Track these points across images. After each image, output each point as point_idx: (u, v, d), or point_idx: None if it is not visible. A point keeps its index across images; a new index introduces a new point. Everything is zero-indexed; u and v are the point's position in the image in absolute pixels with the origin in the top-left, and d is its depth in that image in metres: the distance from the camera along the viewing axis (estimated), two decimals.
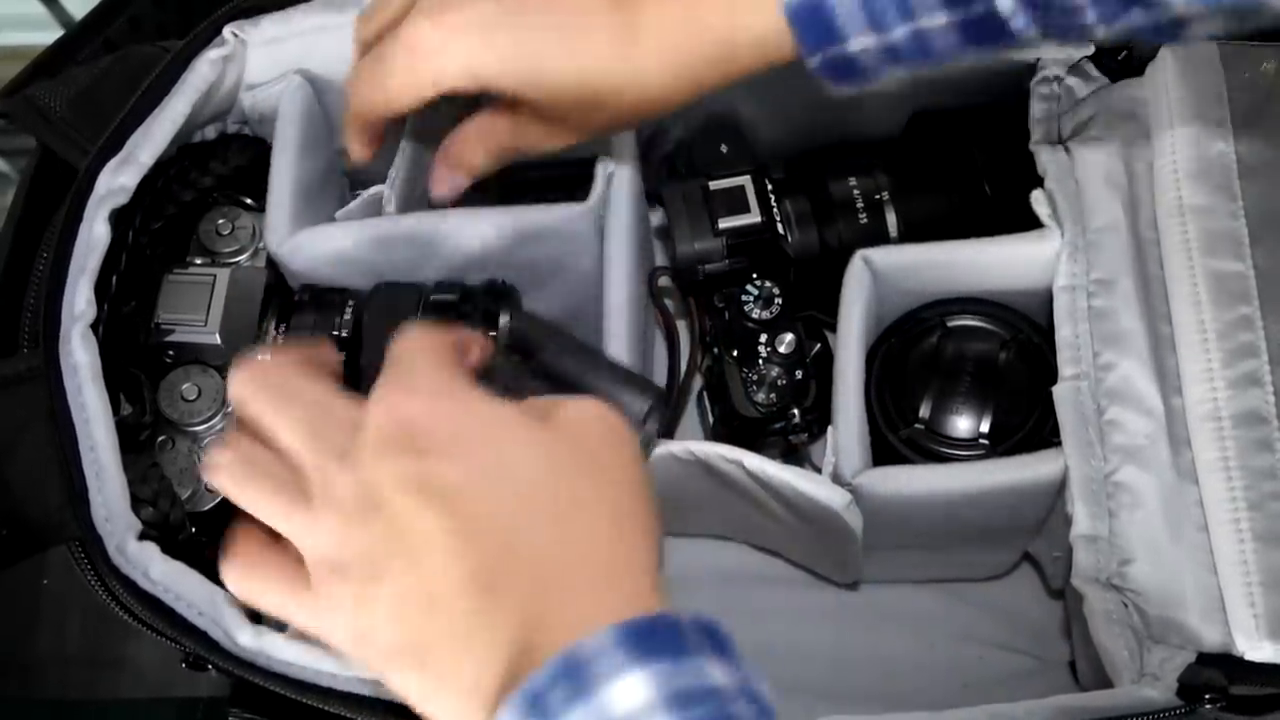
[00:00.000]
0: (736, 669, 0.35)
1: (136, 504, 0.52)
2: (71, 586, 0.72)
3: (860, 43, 0.46)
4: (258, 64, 0.60)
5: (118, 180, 0.55)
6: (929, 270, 0.60)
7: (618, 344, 0.57)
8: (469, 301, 0.56)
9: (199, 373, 0.58)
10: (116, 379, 0.54)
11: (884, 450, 0.59)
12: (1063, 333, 0.56)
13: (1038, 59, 0.61)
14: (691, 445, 0.56)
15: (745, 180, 0.61)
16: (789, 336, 0.60)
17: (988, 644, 0.65)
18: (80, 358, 0.52)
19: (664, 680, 0.33)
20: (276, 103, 0.61)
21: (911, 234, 0.62)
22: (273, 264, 0.59)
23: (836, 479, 0.56)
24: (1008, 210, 0.60)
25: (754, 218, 0.61)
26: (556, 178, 0.62)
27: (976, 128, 0.64)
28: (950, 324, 0.60)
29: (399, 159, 0.60)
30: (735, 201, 0.61)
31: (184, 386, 0.57)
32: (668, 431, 0.63)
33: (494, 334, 0.55)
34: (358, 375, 0.55)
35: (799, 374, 0.60)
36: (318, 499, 0.38)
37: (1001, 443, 0.58)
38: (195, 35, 0.58)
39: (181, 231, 0.60)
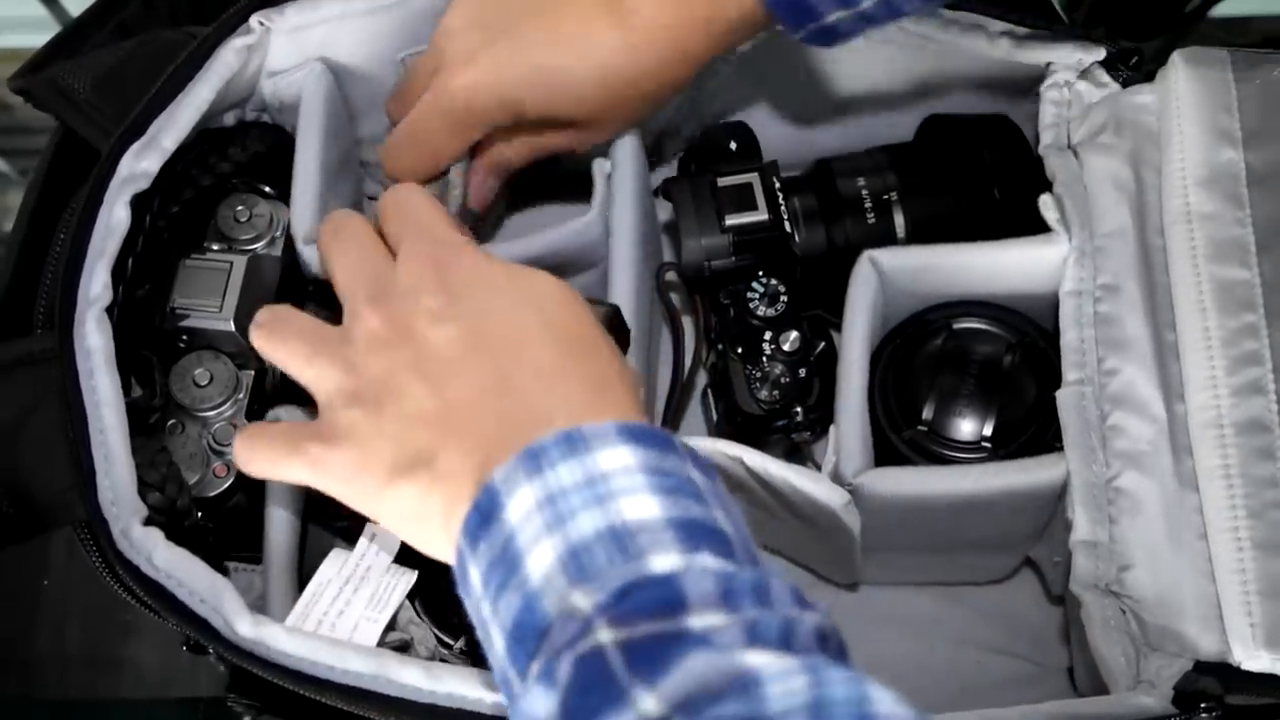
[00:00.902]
0: (716, 492, 0.40)
1: (144, 488, 0.52)
2: (72, 587, 0.73)
3: (836, 15, 0.52)
4: (280, 51, 0.60)
5: (140, 165, 0.55)
6: (936, 272, 0.60)
7: None
8: None
9: (211, 358, 0.58)
10: (128, 361, 0.54)
11: (887, 451, 0.59)
12: (1068, 337, 0.56)
13: (1049, 64, 0.61)
14: (692, 441, 0.57)
15: (753, 177, 0.61)
16: (793, 334, 0.60)
17: (986, 648, 0.65)
18: (94, 342, 0.52)
19: (648, 460, 0.38)
20: (298, 90, 0.61)
21: (919, 235, 0.62)
22: (288, 248, 0.59)
23: (836, 478, 0.56)
24: (1016, 214, 0.60)
25: (761, 215, 0.61)
26: (561, 175, 0.62)
27: (987, 131, 0.64)
28: (956, 326, 0.60)
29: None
30: (743, 198, 0.61)
31: (196, 372, 0.58)
32: (672, 427, 0.64)
33: None
34: None
35: (802, 372, 0.60)
36: (346, 339, 0.45)
37: (1005, 446, 0.58)
38: (222, 22, 0.58)
39: (199, 217, 0.60)
